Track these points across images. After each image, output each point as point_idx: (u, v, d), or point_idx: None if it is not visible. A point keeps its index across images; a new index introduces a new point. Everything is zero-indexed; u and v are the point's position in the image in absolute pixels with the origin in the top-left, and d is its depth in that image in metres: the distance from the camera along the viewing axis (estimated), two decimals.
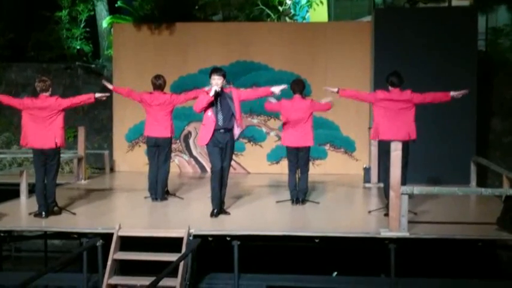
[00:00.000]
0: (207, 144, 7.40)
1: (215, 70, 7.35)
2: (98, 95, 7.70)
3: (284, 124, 8.22)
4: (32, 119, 7.37)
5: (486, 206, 8.25)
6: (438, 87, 10.23)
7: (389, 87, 7.58)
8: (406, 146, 7.25)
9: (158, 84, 8.45)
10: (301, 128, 8.07)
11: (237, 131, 7.48)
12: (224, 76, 7.29)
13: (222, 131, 7.33)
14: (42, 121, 7.32)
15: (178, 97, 8.59)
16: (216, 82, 7.22)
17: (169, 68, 11.51)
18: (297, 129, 8.08)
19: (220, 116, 7.30)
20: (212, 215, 7.46)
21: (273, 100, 8.47)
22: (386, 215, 7.14)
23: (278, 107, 8.31)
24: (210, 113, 7.31)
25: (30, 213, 7.57)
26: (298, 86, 8.20)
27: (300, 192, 8.28)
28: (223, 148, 7.39)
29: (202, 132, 7.46)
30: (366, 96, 8.31)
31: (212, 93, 7.20)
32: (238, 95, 7.43)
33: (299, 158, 8.18)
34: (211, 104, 7.28)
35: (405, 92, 7.55)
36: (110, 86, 8.61)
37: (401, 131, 7.41)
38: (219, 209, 7.53)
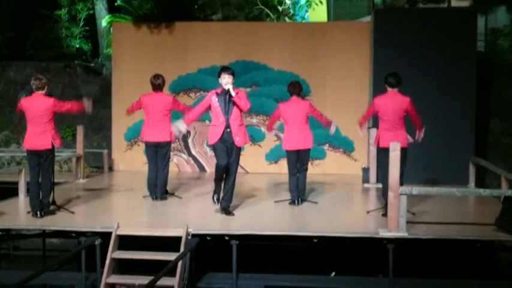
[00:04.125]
0: (215, 143, 7.38)
1: (224, 69, 7.36)
2: (86, 104, 7.50)
3: (284, 127, 8.19)
4: (28, 120, 7.35)
5: (485, 207, 8.25)
6: (437, 87, 10.33)
7: (388, 88, 7.55)
8: (403, 151, 7.19)
9: (157, 84, 8.39)
10: (300, 130, 8.04)
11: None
12: (233, 75, 7.29)
13: (228, 130, 7.33)
14: (38, 123, 7.29)
15: (179, 105, 8.57)
16: (227, 81, 7.22)
17: (168, 67, 11.52)
18: (296, 131, 8.04)
19: (227, 116, 7.31)
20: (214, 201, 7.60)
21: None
22: (384, 215, 7.16)
23: (278, 114, 8.27)
24: (219, 112, 7.31)
25: (28, 212, 7.55)
26: (295, 88, 8.18)
27: (300, 191, 8.27)
28: (229, 147, 7.37)
29: (212, 132, 7.41)
30: (370, 112, 7.96)
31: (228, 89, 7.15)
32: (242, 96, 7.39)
33: (299, 159, 8.18)
34: (220, 105, 7.29)
35: (404, 98, 7.46)
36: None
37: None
38: (219, 197, 7.60)
